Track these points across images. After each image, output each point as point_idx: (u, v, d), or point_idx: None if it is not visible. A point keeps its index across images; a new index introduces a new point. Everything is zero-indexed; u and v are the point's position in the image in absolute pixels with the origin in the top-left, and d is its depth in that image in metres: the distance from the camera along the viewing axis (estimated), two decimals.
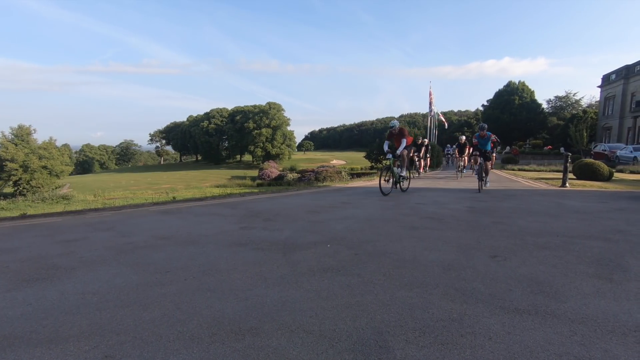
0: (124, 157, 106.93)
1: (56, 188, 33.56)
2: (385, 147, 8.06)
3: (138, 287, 2.56)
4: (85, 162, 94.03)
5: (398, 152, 7.84)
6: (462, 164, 14.43)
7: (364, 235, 4.08)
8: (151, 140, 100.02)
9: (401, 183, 8.35)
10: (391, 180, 7.93)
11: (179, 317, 2.10)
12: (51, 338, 1.88)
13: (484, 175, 8.99)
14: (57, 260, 3.24)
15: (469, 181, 11.87)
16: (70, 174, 48.60)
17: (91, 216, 5.81)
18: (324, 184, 12.80)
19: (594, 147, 27.48)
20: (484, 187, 8.91)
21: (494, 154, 14.66)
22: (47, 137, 43.63)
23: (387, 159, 7.95)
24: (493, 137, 9.24)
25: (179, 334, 1.90)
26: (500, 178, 13.68)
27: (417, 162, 14.75)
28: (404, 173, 8.42)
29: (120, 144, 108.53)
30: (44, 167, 37.92)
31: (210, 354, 1.72)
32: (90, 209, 6.77)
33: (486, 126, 9.35)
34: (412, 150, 14.85)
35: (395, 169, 8.04)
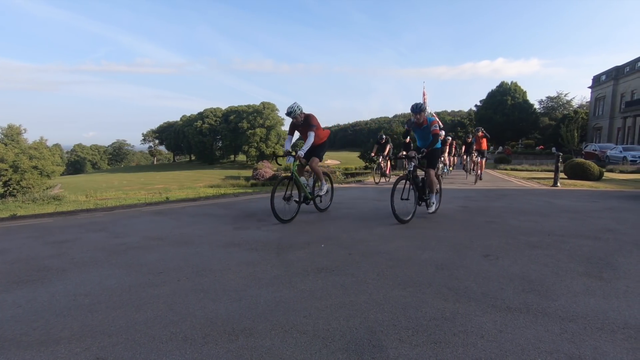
0: (117, 157, 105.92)
1: (47, 188, 33.15)
2: (287, 145, 5.26)
3: (131, 289, 2.54)
4: (77, 162, 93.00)
5: (301, 151, 4.97)
6: (441, 165, 12.34)
7: (357, 235, 4.09)
8: (144, 140, 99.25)
9: (316, 199, 5.52)
10: (294, 198, 5.12)
11: (172, 318, 2.09)
12: (42, 340, 1.86)
13: (427, 192, 5.21)
14: (48, 262, 3.20)
15: (461, 180, 11.94)
16: (61, 174, 48.05)
17: (83, 217, 5.75)
18: (318, 184, 12.84)
19: (585, 147, 27.83)
20: (428, 210, 5.30)
21: (472, 157, 11.75)
22: (38, 136, 43.11)
23: (288, 163, 5.14)
24: (437, 125, 5.34)
25: (172, 335, 1.89)
26: (494, 178, 13.78)
27: (382, 165, 11.80)
28: (324, 189, 5.53)
29: (113, 143, 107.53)
30: (35, 168, 37.43)
31: (204, 354, 1.72)
32: (82, 210, 6.69)
33: (425, 107, 5.44)
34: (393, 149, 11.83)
35: (303, 179, 5.34)
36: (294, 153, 5.01)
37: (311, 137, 5.07)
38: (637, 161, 19.03)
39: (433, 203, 5.26)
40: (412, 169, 4.91)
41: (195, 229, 4.57)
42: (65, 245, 3.82)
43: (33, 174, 37.04)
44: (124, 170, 76.55)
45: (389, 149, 11.66)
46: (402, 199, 4.73)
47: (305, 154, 5.08)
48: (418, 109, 5.17)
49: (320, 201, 5.71)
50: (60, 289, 2.57)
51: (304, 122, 5.23)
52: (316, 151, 5.37)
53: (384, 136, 11.93)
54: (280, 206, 4.84)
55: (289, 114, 5.16)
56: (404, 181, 4.84)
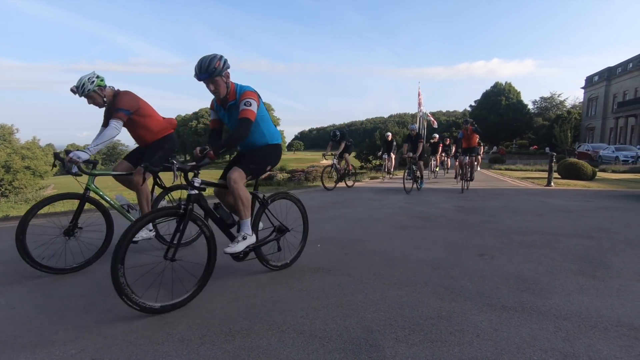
0: (111, 157, 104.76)
1: (40, 189, 32.85)
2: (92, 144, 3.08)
3: None
4: None
5: (80, 153, 2.94)
6: (394, 168, 9.88)
7: (354, 235, 4.10)
8: None
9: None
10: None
11: (168, 319, 2.08)
12: (36, 342, 1.84)
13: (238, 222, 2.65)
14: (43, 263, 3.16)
15: (452, 181, 11.96)
16: (54, 175, 47.57)
17: None
18: (314, 184, 12.75)
19: (578, 147, 28.15)
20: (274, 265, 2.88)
21: (460, 158, 9.11)
22: (31, 136, 42.67)
23: (73, 174, 3.03)
24: (252, 101, 2.55)
25: (167, 336, 1.88)
26: (488, 177, 13.87)
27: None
28: (142, 233, 3.12)
29: None
30: (27, 168, 37.04)
31: (200, 355, 1.71)
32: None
33: (217, 64, 2.44)
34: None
35: (119, 198, 3.54)
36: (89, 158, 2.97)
37: (110, 129, 3.06)
38: (629, 161, 19.30)
39: (245, 238, 2.55)
40: (194, 191, 2.40)
41: (189, 229, 4.53)
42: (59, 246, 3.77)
43: (25, 174, 36.63)
44: None
45: (344, 145, 9.66)
46: (166, 258, 2.23)
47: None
48: (205, 70, 2.46)
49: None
50: (55, 290, 2.54)
51: (112, 105, 3.23)
52: (147, 153, 3.44)
53: (337, 132, 9.92)
54: (53, 244, 2.89)
55: (75, 90, 3.13)
56: (172, 219, 2.44)
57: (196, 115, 78.49)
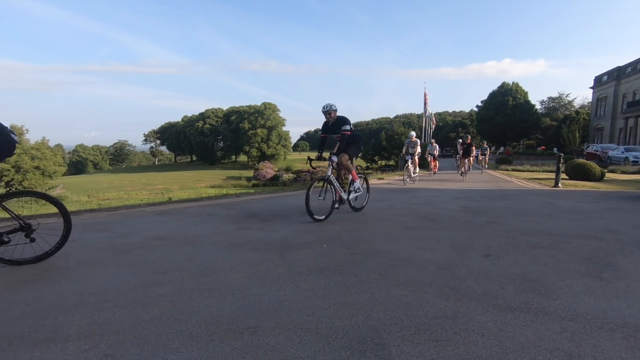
0: (118, 157, 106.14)
1: (49, 189, 33.31)
2: None
3: (136, 287, 2.58)
4: (79, 163, 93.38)
5: None
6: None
7: (359, 235, 4.12)
8: (145, 140, 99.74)
9: None
10: None
11: (178, 316, 2.12)
12: (50, 337, 1.89)
13: None
14: (54, 261, 3.24)
15: (465, 181, 11.92)
16: (63, 175, 48.19)
17: (86, 217, 5.79)
18: (320, 184, 12.77)
19: (587, 148, 27.84)
20: None
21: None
22: (40, 137, 43.28)
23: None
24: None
25: (177, 333, 1.92)
26: (495, 178, 13.80)
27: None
28: None
29: (114, 144, 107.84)
30: (37, 168, 37.57)
31: (209, 352, 1.75)
32: (85, 210, 6.73)
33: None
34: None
35: None
36: None
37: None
38: (639, 162, 19.03)
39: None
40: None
41: (198, 229, 4.60)
42: (70, 245, 3.85)
43: (35, 174, 37.15)
44: (125, 171, 76.78)
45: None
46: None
47: None
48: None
49: None
50: (67, 287, 2.60)
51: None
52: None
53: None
54: None
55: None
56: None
57: (202, 116, 79.01)
